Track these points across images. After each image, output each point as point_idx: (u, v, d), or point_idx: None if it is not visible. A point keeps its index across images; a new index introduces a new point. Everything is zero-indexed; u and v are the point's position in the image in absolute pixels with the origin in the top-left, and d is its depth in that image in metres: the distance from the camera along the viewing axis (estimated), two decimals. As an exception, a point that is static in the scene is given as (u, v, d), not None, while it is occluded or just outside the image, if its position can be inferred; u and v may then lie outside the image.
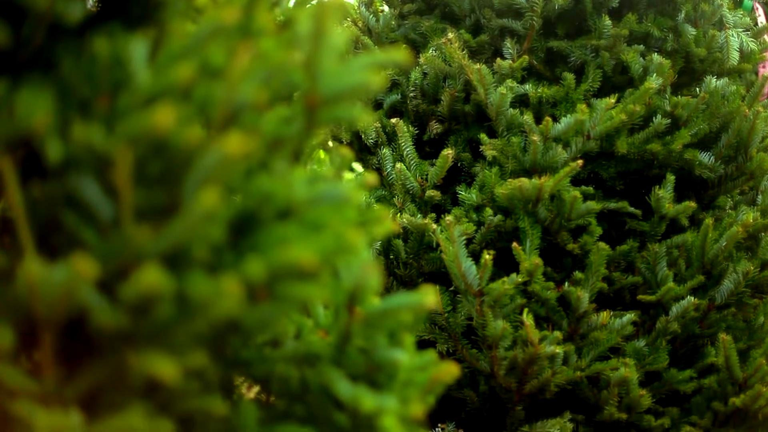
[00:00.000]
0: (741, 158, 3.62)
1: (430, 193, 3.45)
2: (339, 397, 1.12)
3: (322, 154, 1.45)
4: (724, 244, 3.39)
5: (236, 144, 0.91)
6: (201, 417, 1.04)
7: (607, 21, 3.59)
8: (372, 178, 1.37)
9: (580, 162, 3.23)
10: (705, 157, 3.59)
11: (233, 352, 1.13)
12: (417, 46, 3.89)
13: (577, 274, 3.31)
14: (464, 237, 3.13)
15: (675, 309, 3.36)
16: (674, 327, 3.37)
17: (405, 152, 3.56)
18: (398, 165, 3.52)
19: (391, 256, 3.52)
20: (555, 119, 3.39)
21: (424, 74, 3.74)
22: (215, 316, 0.92)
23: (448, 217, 3.18)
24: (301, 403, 1.16)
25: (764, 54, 3.93)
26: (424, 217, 3.42)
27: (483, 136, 3.47)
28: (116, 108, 0.98)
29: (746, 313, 3.59)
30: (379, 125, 3.77)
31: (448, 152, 3.41)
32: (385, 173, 3.61)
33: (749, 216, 3.47)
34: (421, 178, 3.50)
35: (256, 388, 1.24)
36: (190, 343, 0.95)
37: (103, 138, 0.94)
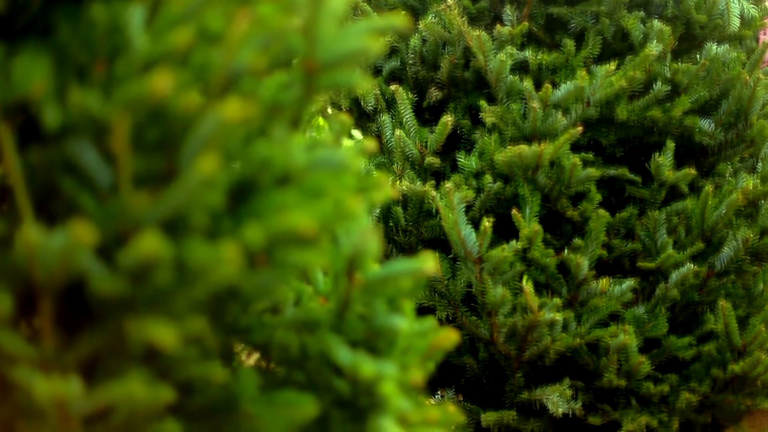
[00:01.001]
0: (741, 125, 3.61)
1: (429, 159, 3.44)
2: (338, 363, 1.12)
3: (321, 120, 1.45)
4: (723, 211, 3.39)
5: (235, 110, 0.91)
6: (201, 384, 1.04)
7: (608, -14, 3.57)
8: (371, 144, 1.36)
9: (579, 128, 3.23)
10: (705, 124, 3.58)
11: (233, 318, 1.13)
12: (416, 12, 3.87)
13: (577, 241, 3.31)
14: (464, 204, 3.13)
15: (674, 276, 3.36)
16: (674, 294, 3.37)
17: (404, 119, 3.55)
18: (398, 131, 3.51)
19: (391, 223, 3.52)
20: (555, 86, 3.39)
21: (424, 40, 3.72)
22: (214, 282, 0.92)
23: (448, 184, 3.18)
24: (300, 369, 1.16)
25: (765, 20, 3.91)
26: (424, 183, 3.41)
27: (482, 103, 3.47)
28: (114, 74, 0.98)
29: (745, 281, 3.59)
30: (379, 92, 3.75)
31: (448, 119, 3.40)
32: (385, 140, 3.60)
33: (749, 183, 3.47)
34: (421, 145, 3.49)
35: (255, 355, 1.24)
36: (190, 310, 0.94)
37: (101, 104, 0.93)
